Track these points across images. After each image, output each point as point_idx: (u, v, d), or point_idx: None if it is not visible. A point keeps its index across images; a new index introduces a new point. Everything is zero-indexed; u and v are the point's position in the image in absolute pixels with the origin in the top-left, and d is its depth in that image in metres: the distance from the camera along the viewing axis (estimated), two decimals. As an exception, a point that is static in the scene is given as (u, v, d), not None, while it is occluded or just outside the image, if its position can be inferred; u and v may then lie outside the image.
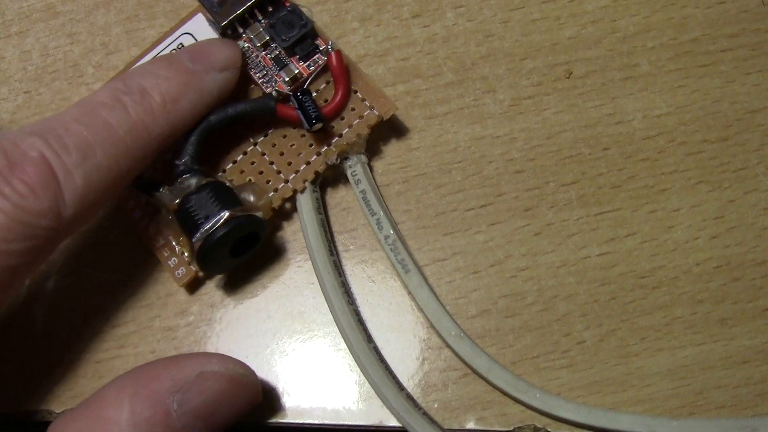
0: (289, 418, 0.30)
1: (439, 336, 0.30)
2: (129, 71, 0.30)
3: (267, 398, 0.30)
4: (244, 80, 0.32)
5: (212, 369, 0.27)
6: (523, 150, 0.33)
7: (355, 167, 0.31)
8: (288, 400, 0.30)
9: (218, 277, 0.32)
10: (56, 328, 0.31)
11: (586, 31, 0.34)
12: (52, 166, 0.26)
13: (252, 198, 0.30)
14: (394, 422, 0.30)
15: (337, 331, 0.31)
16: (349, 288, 0.31)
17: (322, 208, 0.31)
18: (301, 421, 0.30)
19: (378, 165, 0.33)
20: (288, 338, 0.31)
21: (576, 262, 0.31)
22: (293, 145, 0.32)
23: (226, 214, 0.28)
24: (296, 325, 0.31)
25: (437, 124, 0.33)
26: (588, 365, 0.30)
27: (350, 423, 0.30)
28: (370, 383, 0.30)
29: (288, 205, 0.32)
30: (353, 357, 0.30)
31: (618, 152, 0.32)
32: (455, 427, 0.30)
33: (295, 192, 0.31)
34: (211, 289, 0.32)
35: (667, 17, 0.34)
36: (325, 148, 0.31)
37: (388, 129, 0.33)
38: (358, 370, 0.30)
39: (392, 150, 0.33)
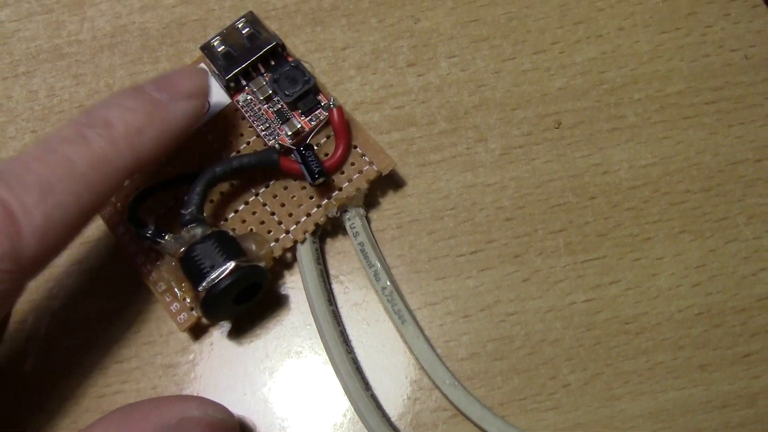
0: (285, 456, 0.31)
1: (434, 383, 0.31)
2: (93, 104, 0.29)
3: (264, 437, 0.31)
4: (245, 132, 0.33)
5: (192, 414, 0.28)
6: (513, 198, 0.34)
7: (353, 220, 0.32)
8: (284, 439, 0.31)
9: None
10: (59, 362, 0.32)
11: (575, 83, 0.35)
12: (11, 207, 0.26)
13: (254, 247, 0.31)
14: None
15: (333, 371, 0.32)
16: (347, 336, 0.32)
17: (321, 259, 0.32)
18: (296, 459, 0.31)
19: (373, 211, 0.34)
20: (285, 377, 0.32)
21: (563, 307, 0.32)
22: (294, 196, 0.33)
23: (232, 265, 0.29)
24: (293, 364, 0.32)
25: (430, 171, 0.34)
26: (573, 407, 0.31)
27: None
28: (366, 428, 0.31)
29: (289, 255, 0.33)
30: (351, 403, 0.31)
31: (604, 201, 0.34)
32: (445, 466, 0.31)
33: (295, 242, 0.32)
34: (212, 328, 0.33)
35: (653, 70, 0.35)
36: (326, 201, 0.32)
37: (384, 176, 0.34)
38: (353, 412, 0.31)
39: (387, 196, 0.34)
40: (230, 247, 0.30)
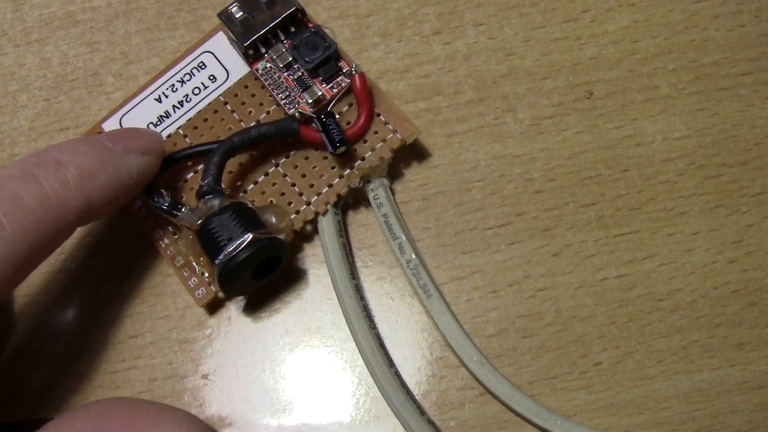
0: (305, 434, 0.30)
1: (460, 361, 0.30)
2: (44, 148, 0.28)
3: (283, 414, 0.30)
4: (265, 101, 0.32)
5: None
6: (543, 170, 0.33)
7: (377, 191, 0.31)
8: (303, 417, 0.30)
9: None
10: (73, 337, 0.32)
11: (607, 52, 0.34)
12: None
13: (274, 220, 0.30)
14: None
15: (355, 347, 0.31)
16: (370, 311, 0.31)
17: (343, 231, 0.31)
18: (317, 438, 0.30)
19: (398, 182, 0.33)
20: (305, 353, 0.31)
21: (594, 283, 0.31)
22: (315, 167, 0.32)
23: (249, 237, 0.28)
24: (314, 340, 0.31)
25: (457, 141, 0.33)
26: (605, 387, 0.30)
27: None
28: (390, 407, 0.30)
29: (309, 228, 0.32)
30: (374, 380, 0.30)
31: (637, 174, 0.32)
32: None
33: (316, 215, 0.31)
34: (230, 302, 0.32)
35: (687, 39, 0.34)
36: (348, 171, 0.31)
37: (409, 146, 0.32)
38: (376, 389, 0.30)
39: (412, 167, 0.33)
40: (248, 218, 0.29)
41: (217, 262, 0.28)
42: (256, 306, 0.32)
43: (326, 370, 0.31)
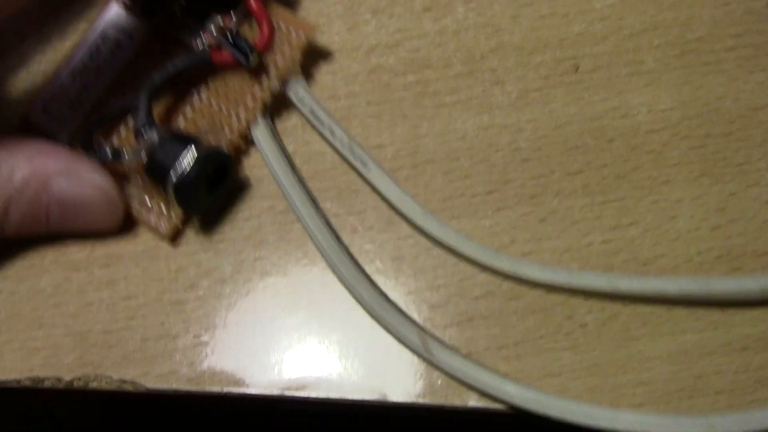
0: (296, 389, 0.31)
1: (407, 220, 0.32)
2: None
3: (275, 369, 0.31)
4: (174, 48, 0.34)
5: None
6: (530, 140, 0.33)
7: (296, 89, 0.33)
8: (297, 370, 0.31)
9: (228, 255, 0.32)
10: (66, 298, 0.32)
11: (594, 28, 0.35)
12: None
13: (211, 139, 0.32)
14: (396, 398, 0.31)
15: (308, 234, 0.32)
16: (316, 200, 0.33)
17: (277, 135, 0.33)
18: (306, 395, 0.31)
19: (387, 151, 0.33)
20: (294, 317, 0.32)
21: (580, 248, 0.32)
22: (236, 86, 0.33)
23: (193, 148, 0.30)
24: (303, 301, 0.32)
25: (446, 113, 0.34)
26: (590, 348, 0.31)
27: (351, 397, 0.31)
28: (343, 282, 0.31)
29: (245, 145, 0.34)
30: (326, 260, 0.32)
31: (623, 144, 0.33)
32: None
33: (248, 125, 0.33)
34: (222, 264, 0.32)
35: (673, 16, 0.35)
36: (266, 80, 0.33)
37: (399, 116, 0.33)
38: (326, 265, 0.32)
39: (401, 136, 0.33)
40: (188, 138, 0.30)
41: (168, 179, 0.30)
42: (247, 268, 0.32)
43: (287, 270, 0.32)
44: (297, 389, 0.31)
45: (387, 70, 0.34)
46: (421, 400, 0.31)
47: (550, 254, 0.32)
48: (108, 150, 0.32)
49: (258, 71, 0.33)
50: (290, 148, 0.34)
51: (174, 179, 0.30)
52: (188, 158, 0.30)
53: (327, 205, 0.33)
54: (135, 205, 0.32)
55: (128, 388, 0.31)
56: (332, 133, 0.33)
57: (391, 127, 0.34)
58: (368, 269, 0.32)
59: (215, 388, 0.31)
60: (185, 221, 0.33)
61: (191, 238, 0.32)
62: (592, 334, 0.31)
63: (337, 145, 0.32)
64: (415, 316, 0.31)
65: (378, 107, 0.34)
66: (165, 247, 0.33)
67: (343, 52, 0.35)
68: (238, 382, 0.31)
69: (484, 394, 0.30)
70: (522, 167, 0.33)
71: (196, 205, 0.32)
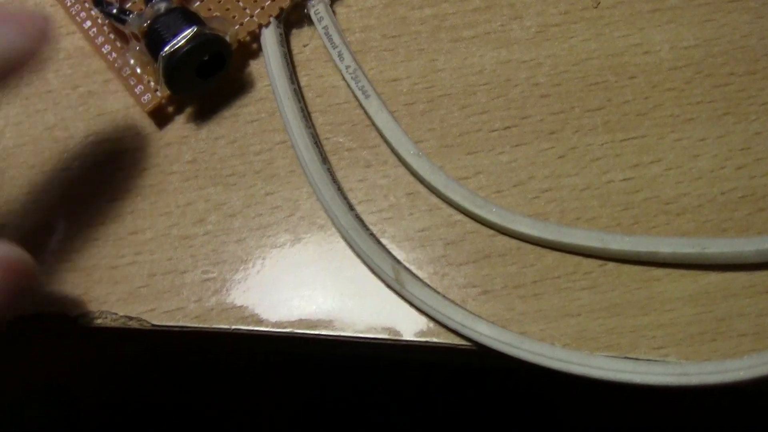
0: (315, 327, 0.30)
1: (397, 156, 0.31)
2: None
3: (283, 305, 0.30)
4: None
5: None
6: (549, 75, 0.32)
7: (317, 6, 0.33)
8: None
9: (238, 189, 0.31)
10: (74, 233, 0.31)
11: (615, -37, 0.34)
12: None
13: (218, 28, 0.31)
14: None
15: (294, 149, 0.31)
16: (308, 113, 0.32)
17: (285, 43, 0.32)
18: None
19: (403, 84, 0.33)
20: (306, 253, 0.31)
21: (600, 185, 0.31)
22: None
23: (194, 29, 0.30)
24: (316, 236, 0.31)
25: (463, 47, 0.33)
26: (610, 287, 0.30)
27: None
28: (321, 201, 0.31)
29: (254, 46, 0.33)
30: (308, 178, 0.31)
31: (644, 81, 0.32)
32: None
33: (260, 27, 0.32)
34: (231, 198, 0.31)
35: (696, -48, 0.34)
36: None
37: (416, 50, 0.33)
38: (310, 190, 0.31)
39: (417, 70, 0.33)
40: (194, 18, 0.30)
41: (162, 53, 0.29)
42: (257, 202, 0.31)
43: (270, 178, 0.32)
44: (307, 327, 0.30)
45: (403, 4, 0.33)
46: (433, 339, 0.30)
47: (569, 191, 0.31)
48: (115, 7, 0.31)
49: None
50: (303, 80, 0.33)
51: (165, 52, 0.30)
52: (187, 35, 0.30)
53: (340, 140, 0.32)
54: (126, 71, 0.32)
55: (134, 325, 0.30)
56: (341, 57, 0.32)
57: (407, 61, 0.33)
58: (383, 204, 0.31)
59: (223, 325, 0.30)
60: (169, 100, 0.32)
61: (200, 171, 0.32)
62: (611, 273, 0.30)
63: (343, 69, 0.32)
64: (429, 252, 0.30)
65: (393, 40, 0.33)
66: (173, 181, 0.32)
67: (359, -16, 0.34)
68: (247, 320, 0.30)
69: (453, 331, 0.30)
70: (541, 103, 0.32)
71: (183, 86, 0.31)
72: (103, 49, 0.33)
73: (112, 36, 0.33)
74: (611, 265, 0.30)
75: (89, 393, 0.55)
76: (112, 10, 0.31)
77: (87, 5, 0.33)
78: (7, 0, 0.35)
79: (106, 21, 0.32)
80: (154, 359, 0.57)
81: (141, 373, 0.59)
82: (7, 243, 0.26)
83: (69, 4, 0.34)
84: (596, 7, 0.33)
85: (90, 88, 0.33)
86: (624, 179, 0.31)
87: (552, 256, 0.30)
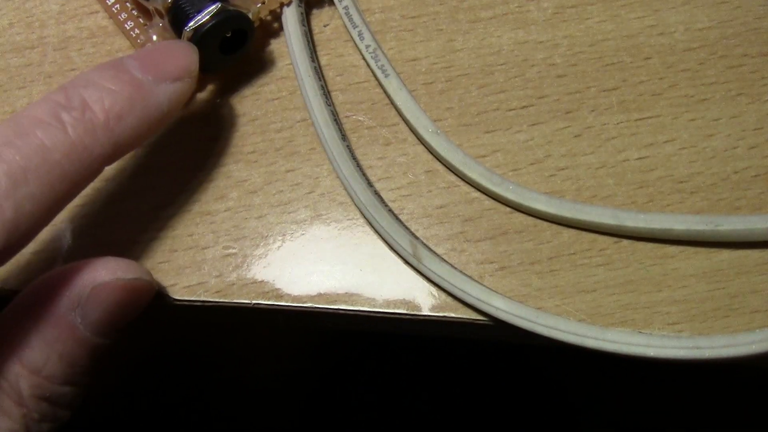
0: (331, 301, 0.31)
1: (416, 134, 0.32)
2: (71, 81, 0.28)
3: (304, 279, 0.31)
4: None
5: (103, 281, 0.27)
6: (566, 56, 0.33)
7: None
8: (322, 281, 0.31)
9: (259, 166, 0.32)
10: (95, 208, 0.32)
11: (631, -54, 0.34)
12: None
13: (241, 4, 0.31)
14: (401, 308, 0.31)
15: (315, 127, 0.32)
16: (328, 92, 0.32)
17: (306, 22, 0.33)
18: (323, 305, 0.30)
19: (422, 64, 0.33)
20: (326, 229, 0.31)
21: (615, 164, 0.31)
22: None
23: (218, 5, 0.30)
24: (336, 212, 0.31)
25: (481, 27, 0.33)
26: (624, 264, 0.30)
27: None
28: (339, 176, 0.31)
29: (276, 25, 0.34)
30: (328, 155, 0.31)
31: (659, 62, 0.33)
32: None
33: (281, 6, 0.33)
34: (252, 176, 0.32)
35: (711, -64, 0.34)
36: None
37: (434, 30, 0.33)
38: (328, 164, 0.32)
39: (436, 50, 0.33)
40: None
41: (186, 29, 0.30)
42: (277, 179, 0.32)
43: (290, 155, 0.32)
44: (328, 302, 0.31)
45: None
46: (450, 314, 0.30)
47: (584, 169, 0.31)
48: None
49: None
50: (323, 60, 0.33)
51: (189, 28, 0.30)
52: (210, 12, 0.30)
53: (360, 118, 0.32)
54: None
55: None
56: (361, 36, 0.32)
57: (426, 41, 0.33)
58: (401, 181, 0.32)
59: (244, 300, 0.31)
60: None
61: (222, 149, 0.32)
62: (626, 250, 0.31)
63: (363, 48, 0.32)
64: (447, 229, 0.31)
65: (412, 21, 0.34)
66: (194, 158, 0.32)
67: (379, -35, 0.34)
68: (267, 295, 0.31)
69: (470, 306, 0.30)
70: (557, 83, 0.32)
71: (206, 63, 0.31)
72: (125, 26, 0.33)
73: (135, 12, 0.33)
74: (626, 242, 0.31)
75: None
76: None
77: (111, -21, 0.33)
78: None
79: (130, -2, 0.33)
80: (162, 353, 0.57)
81: (149, 370, 0.59)
82: (119, 265, 0.28)
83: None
84: (612, -11, 0.33)
85: (112, 66, 0.34)
86: (639, 158, 0.32)
87: (568, 233, 0.31)
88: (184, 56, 0.29)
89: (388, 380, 0.58)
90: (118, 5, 0.33)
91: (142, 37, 0.33)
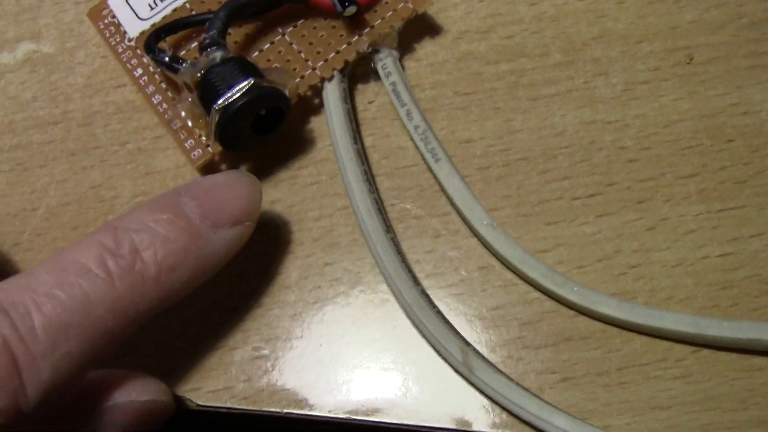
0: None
1: (469, 227, 0.29)
2: (122, 219, 0.25)
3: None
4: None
5: (117, 402, 0.26)
6: (637, 138, 0.30)
7: (385, 60, 0.31)
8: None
9: (295, 258, 0.30)
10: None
11: (709, 15, 0.31)
12: (15, 355, 0.22)
13: (278, 80, 0.29)
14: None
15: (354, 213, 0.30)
16: (371, 177, 0.30)
17: (348, 99, 0.31)
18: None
19: (477, 146, 0.30)
20: (366, 332, 0.29)
21: (694, 261, 0.28)
22: (323, 35, 0.31)
23: (251, 81, 0.28)
24: (377, 313, 0.28)
25: (543, 105, 0.31)
26: (705, 377, 0.27)
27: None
28: (385, 276, 0.29)
29: (316, 101, 0.32)
30: (370, 248, 0.29)
31: (743, 145, 0.29)
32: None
33: (322, 80, 0.31)
34: (287, 269, 0.29)
35: (800, 4, 0.31)
36: (356, 37, 0.31)
37: (491, 108, 0.31)
38: (371, 257, 0.29)
39: (492, 131, 0.31)
40: (251, 69, 0.28)
41: (215, 106, 0.27)
42: (312, 273, 0.29)
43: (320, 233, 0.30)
44: (366, 414, 0.28)
45: (477, 58, 0.31)
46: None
47: (659, 267, 0.28)
48: (167, 55, 0.30)
49: (352, 26, 0.31)
50: (368, 140, 0.31)
51: (219, 105, 0.28)
52: (243, 88, 0.28)
53: (407, 206, 0.30)
54: (176, 124, 0.30)
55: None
56: (409, 116, 0.30)
57: (481, 120, 0.31)
58: (452, 278, 0.29)
59: (274, 408, 0.28)
60: (222, 157, 0.31)
61: (253, 237, 0.29)
62: (706, 361, 0.27)
63: (411, 129, 0.30)
64: (503, 333, 0.28)
65: (467, 98, 0.31)
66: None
67: (430, 37, 0.32)
68: (301, 403, 0.28)
69: (527, 423, 0.27)
70: (628, 168, 0.30)
71: (237, 142, 0.29)
72: (153, 99, 0.31)
73: (163, 86, 0.31)
74: (706, 351, 0.27)
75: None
76: (164, 57, 0.29)
77: (139, 53, 0.32)
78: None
79: (158, 70, 0.31)
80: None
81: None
82: (142, 385, 0.26)
83: (120, 50, 0.32)
84: (689, 63, 0.31)
85: (139, 144, 0.32)
86: (721, 254, 0.28)
87: (640, 341, 0.28)
88: (246, 197, 0.27)
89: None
90: (145, 77, 0.32)
91: (169, 112, 0.31)
